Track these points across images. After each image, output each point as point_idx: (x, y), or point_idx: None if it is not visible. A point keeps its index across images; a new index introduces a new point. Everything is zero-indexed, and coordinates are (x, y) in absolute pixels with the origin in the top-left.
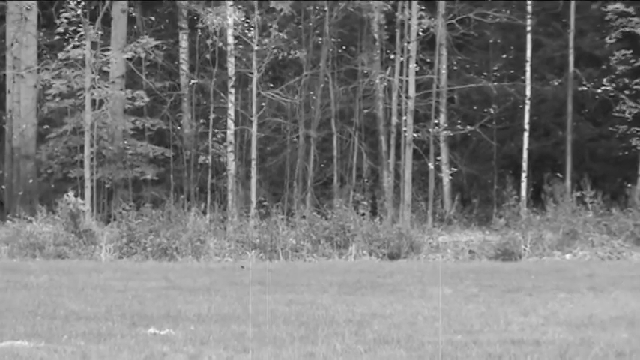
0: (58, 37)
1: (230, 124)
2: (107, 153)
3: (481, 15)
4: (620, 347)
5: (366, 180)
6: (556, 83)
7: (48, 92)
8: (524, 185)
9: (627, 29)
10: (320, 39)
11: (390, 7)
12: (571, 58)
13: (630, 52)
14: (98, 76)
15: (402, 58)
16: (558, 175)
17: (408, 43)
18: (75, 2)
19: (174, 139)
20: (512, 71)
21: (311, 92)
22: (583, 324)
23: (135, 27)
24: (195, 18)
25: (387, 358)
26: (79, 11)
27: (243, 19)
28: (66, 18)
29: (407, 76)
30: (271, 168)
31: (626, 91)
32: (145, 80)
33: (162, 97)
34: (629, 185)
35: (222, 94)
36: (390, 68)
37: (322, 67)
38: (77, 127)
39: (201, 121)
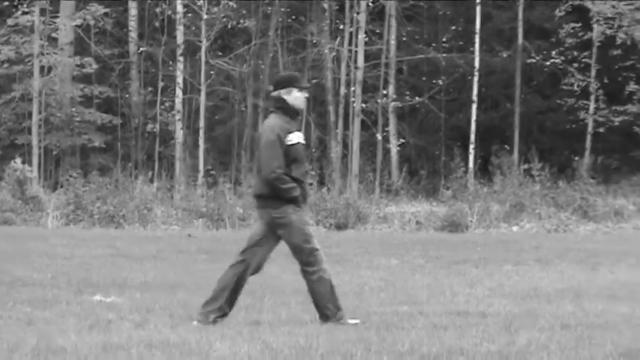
0: (6, 4)
1: (178, 92)
2: (55, 120)
3: None
4: (565, 319)
5: (313, 150)
6: (505, 55)
7: None
8: (471, 157)
9: (576, 2)
10: (269, 8)
11: None
12: (520, 31)
13: (579, 25)
14: (47, 43)
15: (351, 29)
16: (506, 147)
17: (358, 13)
18: None
19: (123, 107)
20: (461, 43)
21: (260, 61)
22: (529, 296)
23: None
24: None
25: (332, 328)
26: None
27: None
28: None
29: (356, 46)
30: (219, 137)
31: (575, 64)
32: (94, 48)
33: (111, 64)
34: (576, 158)
35: (170, 63)
36: (339, 38)
37: (271, 37)
38: (25, 93)
39: (150, 89)
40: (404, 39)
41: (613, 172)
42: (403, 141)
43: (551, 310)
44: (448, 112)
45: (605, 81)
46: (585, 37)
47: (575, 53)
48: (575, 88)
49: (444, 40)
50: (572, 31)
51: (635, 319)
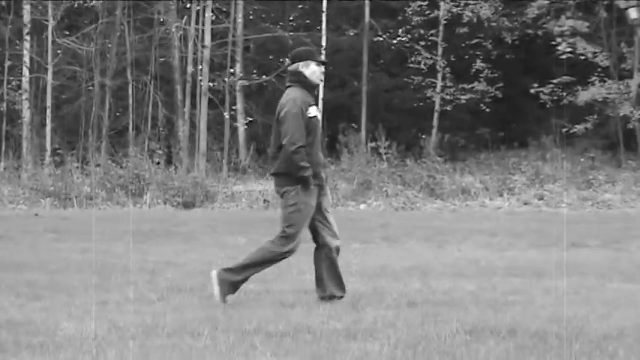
0: None
1: (25, 71)
2: None
3: None
4: (412, 297)
5: (161, 129)
6: (352, 34)
7: None
8: None
9: None
10: None
11: None
12: (367, 9)
13: (426, 3)
14: None
15: (198, 7)
16: (353, 125)
17: None
18: None
19: None
20: (308, 21)
21: (107, 40)
22: (376, 274)
23: None
24: None
25: (179, 307)
26: None
27: None
28: None
29: (203, 25)
30: (66, 116)
31: (422, 43)
32: None
33: None
34: (423, 136)
35: (17, 42)
36: (186, 17)
37: (118, 16)
38: None
39: None
40: (251, 17)
41: (460, 149)
42: (251, 119)
43: (398, 287)
44: None
45: (452, 59)
46: (432, 15)
47: (422, 32)
48: (422, 66)
49: (291, 18)
50: (418, 9)
51: (481, 297)
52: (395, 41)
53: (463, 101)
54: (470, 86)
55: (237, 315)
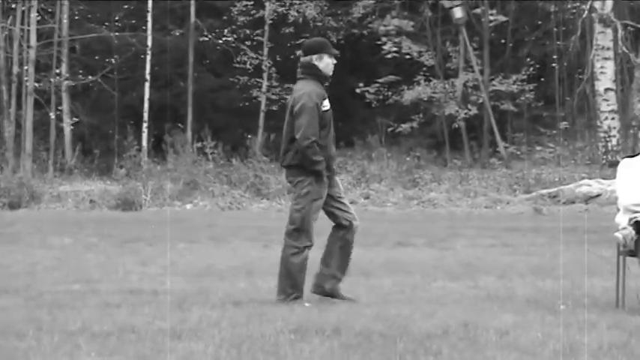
0: None
1: None
2: None
3: None
4: (237, 296)
5: None
6: (177, 34)
7: None
8: (145, 135)
9: None
10: None
11: None
12: (192, 9)
13: (251, 3)
14: None
15: (23, 8)
16: (180, 125)
17: None
18: None
19: None
20: (133, 21)
21: None
22: (202, 274)
23: None
24: None
25: (5, 308)
26: None
27: None
28: None
29: (28, 25)
30: None
31: (247, 42)
32: None
33: None
34: (249, 136)
35: None
36: (11, 17)
37: None
38: None
39: None
40: (76, 17)
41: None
42: (77, 120)
43: (224, 287)
44: (121, 90)
45: (278, 59)
46: (257, 15)
47: (248, 31)
48: (248, 66)
49: (117, 18)
50: (244, 9)
51: (306, 296)
52: (221, 41)
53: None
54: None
55: (62, 316)
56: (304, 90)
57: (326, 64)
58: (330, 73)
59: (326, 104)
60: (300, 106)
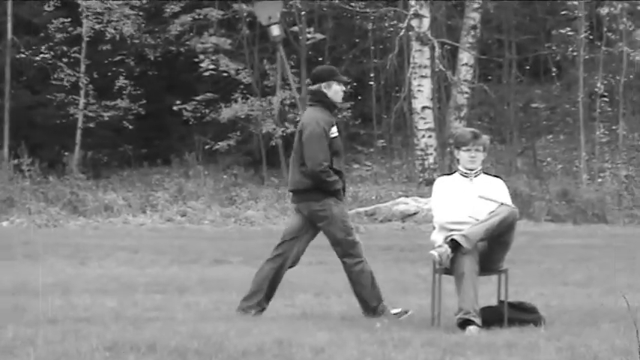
0: None
1: None
2: None
3: None
4: (52, 314)
5: None
6: None
7: None
8: None
9: None
10: None
11: None
12: (9, 25)
13: (69, 20)
14: None
15: None
16: None
17: None
18: None
19: None
20: None
21: None
22: (18, 291)
23: None
24: None
25: None
26: None
27: None
28: None
29: None
30: None
31: (65, 59)
32: None
33: None
34: (66, 153)
35: None
36: None
37: None
38: None
39: None
40: None
41: (103, 166)
42: None
43: (39, 304)
44: None
45: (95, 76)
46: (75, 32)
47: (65, 48)
48: (65, 83)
49: None
50: (61, 26)
51: (122, 313)
52: (38, 58)
53: (106, 118)
54: (113, 103)
55: None
56: (311, 117)
57: (335, 91)
58: (340, 100)
59: (334, 131)
60: (309, 134)
